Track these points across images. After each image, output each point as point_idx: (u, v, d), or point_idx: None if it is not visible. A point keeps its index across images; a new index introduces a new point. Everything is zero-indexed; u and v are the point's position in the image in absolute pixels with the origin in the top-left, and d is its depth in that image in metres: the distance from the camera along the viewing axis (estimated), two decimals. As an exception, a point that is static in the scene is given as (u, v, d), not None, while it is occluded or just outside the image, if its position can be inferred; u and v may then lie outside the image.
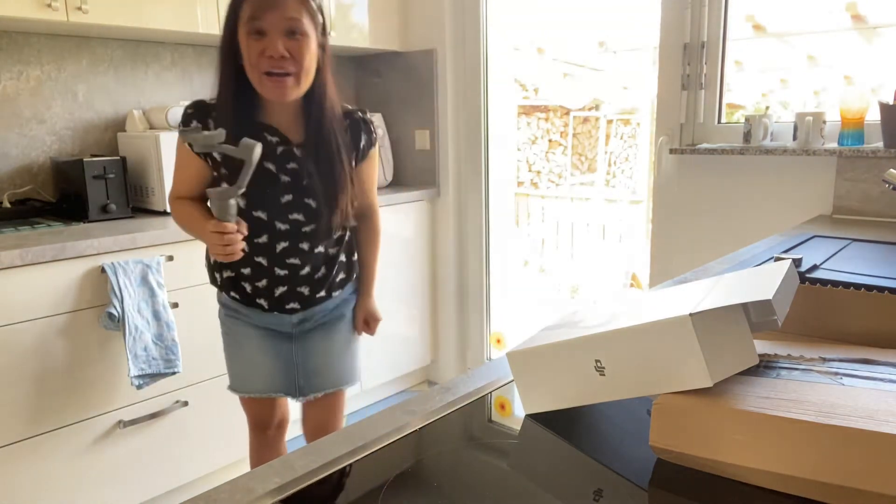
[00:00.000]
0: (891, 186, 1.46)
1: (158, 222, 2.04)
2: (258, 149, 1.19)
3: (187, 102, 1.37)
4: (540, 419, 0.70)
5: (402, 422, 0.69)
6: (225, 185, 1.33)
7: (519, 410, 0.73)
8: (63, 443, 1.79)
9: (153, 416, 1.95)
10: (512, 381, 0.82)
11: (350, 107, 1.42)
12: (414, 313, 2.93)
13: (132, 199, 2.18)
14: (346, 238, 1.49)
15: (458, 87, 2.89)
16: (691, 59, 2.25)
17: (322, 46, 1.31)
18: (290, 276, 1.41)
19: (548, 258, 5.48)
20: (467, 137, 2.92)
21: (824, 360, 0.62)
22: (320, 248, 1.42)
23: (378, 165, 1.45)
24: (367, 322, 1.57)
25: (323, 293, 1.46)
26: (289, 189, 1.35)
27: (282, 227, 1.37)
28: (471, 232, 2.97)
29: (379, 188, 2.95)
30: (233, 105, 1.30)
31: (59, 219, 2.07)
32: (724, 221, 2.24)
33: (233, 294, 1.45)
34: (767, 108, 2.18)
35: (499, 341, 3.16)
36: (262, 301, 1.43)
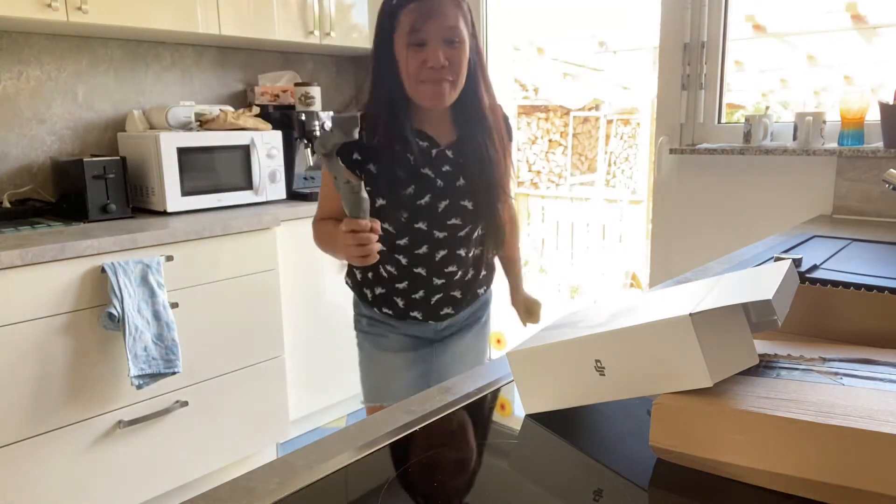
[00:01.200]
0: (891, 186, 1.46)
1: (158, 222, 2.04)
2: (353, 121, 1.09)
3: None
4: (540, 419, 0.70)
5: (402, 422, 0.69)
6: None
7: (519, 410, 0.73)
8: (63, 443, 1.79)
9: (153, 416, 1.95)
10: (512, 381, 0.82)
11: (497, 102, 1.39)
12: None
13: (132, 199, 2.18)
14: (484, 234, 1.42)
15: (458, 87, 2.89)
16: (691, 59, 2.25)
17: (474, 48, 1.28)
18: (447, 284, 1.37)
19: (548, 258, 5.48)
20: (467, 137, 2.91)
21: (824, 359, 0.62)
22: (474, 250, 1.38)
23: (513, 161, 1.43)
24: (529, 311, 1.55)
25: (471, 295, 1.43)
26: (445, 194, 1.30)
27: (440, 234, 1.32)
28: (471, 232, 2.96)
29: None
30: (387, 115, 1.26)
31: (59, 219, 2.07)
32: (723, 221, 2.24)
33: (385, 310, 1.39)
34: (767, 108, 2.18)
35: (499, 341, 3.16)
36: (416, 313, 1.38)
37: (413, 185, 1.27)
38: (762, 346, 0.68)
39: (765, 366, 0.62)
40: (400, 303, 1.37)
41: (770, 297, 0.54)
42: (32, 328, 1.71)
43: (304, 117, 2.47)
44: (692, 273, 1.30)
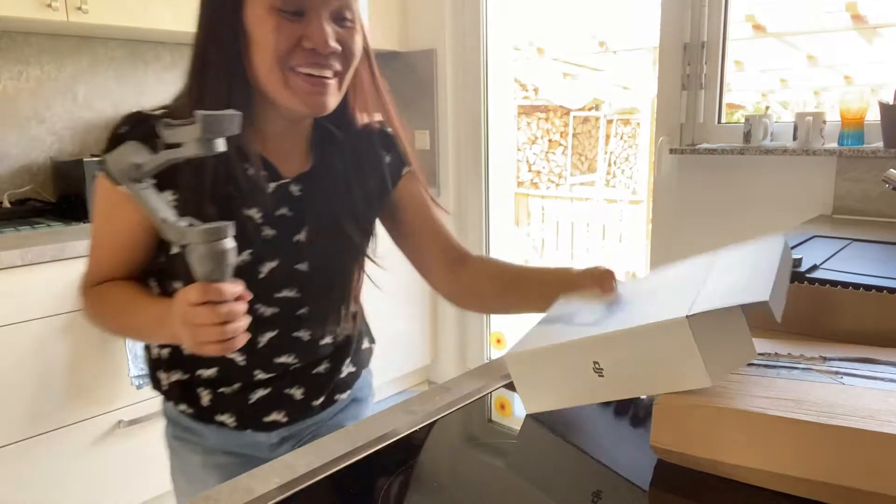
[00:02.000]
0: (891, 186, 1.46)
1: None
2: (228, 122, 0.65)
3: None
4: (540, 419, 0.70)
5: (402, 422, 0.69)
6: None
7: (519, 410, 0.73)
8: (63, 443, 1.79)
9: (153, 416, 1.95)
10: (511, 381, 0.82)
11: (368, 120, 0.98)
12: (414, 313, 2.93)
13: (132, 199, 2.18)
14: (360, 313, 1.04)
15: (458, 87, 2.89)
16: (691, 59, 2.25)
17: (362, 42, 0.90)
18: (276, 378, 0.92)
19: (548, 258, 5.48)
20: (467, 137, 2.92)
21: (825, 359, 0.62)
22: (326, 338, 0.95)
23: (425, 190, 1.02)
24: (602, 281, 0.86)
25: (323, 398, 0.96)
26: (275, 250, 0.87)
27: (266, 311, 0.88)
28: (471, 232, 2.97)
29: (379, 188, 2.95)
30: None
31: (59, 219, 2.07)
32: (723, 221, 2.24)
33: (182, 407, 0.93)
34: (767, 108, 2.18)
35: (499, 341, 3.16)
36: (225, 417, 0.92)
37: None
38: (762, 345, 0.67)
39: (765, 365, 0.62)
40: (205, 398, 0.91)
41: (767, 299, 0.54)
42: (32, 328, 1.70)
43: (304, 117, 2.47)
44: (692, 273, 1.30)
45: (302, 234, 0.89)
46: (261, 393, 0.92)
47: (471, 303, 1.03)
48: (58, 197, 2.20)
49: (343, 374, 0.99)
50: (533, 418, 0.70)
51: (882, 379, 0.56)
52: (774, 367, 0.61)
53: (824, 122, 2.01)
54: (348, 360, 1.00)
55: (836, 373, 0.58)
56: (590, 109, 6.99)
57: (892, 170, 1.40)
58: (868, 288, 0.69)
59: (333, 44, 0.80)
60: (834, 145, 1.99)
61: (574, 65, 6.51)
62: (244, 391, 0.91)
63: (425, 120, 2.93)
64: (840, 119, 1.97)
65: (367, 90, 0.94)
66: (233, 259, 0.68)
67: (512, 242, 3.20)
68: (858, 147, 1.93)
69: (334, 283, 0.93)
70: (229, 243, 0.67)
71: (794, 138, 2.05)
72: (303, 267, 0.89)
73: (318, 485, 0.58)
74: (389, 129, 0.98)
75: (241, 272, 0.81)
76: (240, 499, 0.56)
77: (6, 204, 2.09)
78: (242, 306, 0.70)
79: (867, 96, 1.95)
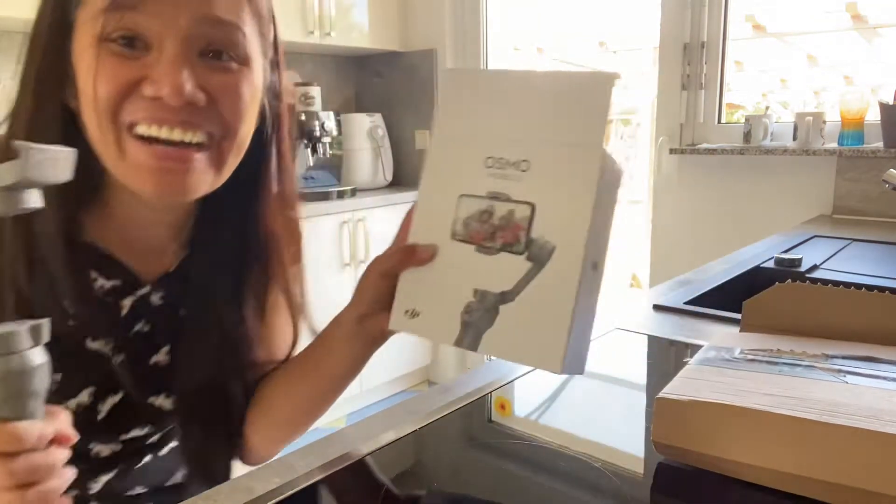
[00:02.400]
0: (891, 186, 1.46)
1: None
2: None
3: None
4: (539, 419, 0.69)
5: (402, 422, 0.69)
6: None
7: (519, 411, 0.73)
8: (63, 443, 1.79)
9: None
10: (512, 381, 0.82)
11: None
12: (414, 313, 2.92)
13: (132, 199, 2.18)
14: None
15: (458, 87, 2.89)
16: (691, 59, 2.25)
17: (273, 87, 0.65)
18: None
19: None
20: (467, 137, 2.91)
21: (827, 356, 0.62)
22: (176, 476, 0.73)
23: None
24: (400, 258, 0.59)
25: None
26: (120, 379, 0.64)
27: (103, 450, 0.66)
28: (471, 232, 2.97)
29: (379, 188, 2.96)
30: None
31: (58, 219, 2.06)
32: (723, 221, 2.24)
33: None
34: (767, 108, 2.18)
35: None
36: None
37: (59, 368, 0.56)
38: (764, 341, 0.67)
39: (767, 361, 0.61)
40: None
41: (558, 370, 0.51)
42: (32, 328, 1.70)
43: (303, 117, 2.47)
44: (692, 273, 1.30)
45: (160, 354, 0.67)
46: None
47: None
48: (57, 197, 2.20)
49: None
50: (532, 417, 0.70)
51: (885, 378, 0.56)
52: (777, 363, 0.61)
53: (824, 122, 2.01)
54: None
55: (839, 371, 0.58)
56: (590, 109, 6.97)
57: (892, 170, 1.40)
58: (868, 288, 0.69)
59: (191, 90, 0.53)
60: (834, 145, 1.99)
61: (574, 65, 6.51)
62: None
63: (425, 120, 2.93)
64: (840, 119, 1.97)
65: (269, 167, 0.66)
66: (40, 384, 0.44)
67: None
68: (858, 147, 1.93)
69: (209, 414, 0.68)
70: (32, 360, 0.43)
71: (794, 138, 2.05)
72: (159, 400, 0.68)
73: (318, 485, 0.58)
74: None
75: (74, 414, 0.54)
76: (240, 499, 0.56)
77: (6, 204, 2.09)
78: (56, 456, 0.46)
79: (867, 96, 1.95)
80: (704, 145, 2.21)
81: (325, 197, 2.51)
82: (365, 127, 2.87)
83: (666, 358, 0.86)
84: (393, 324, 0.59)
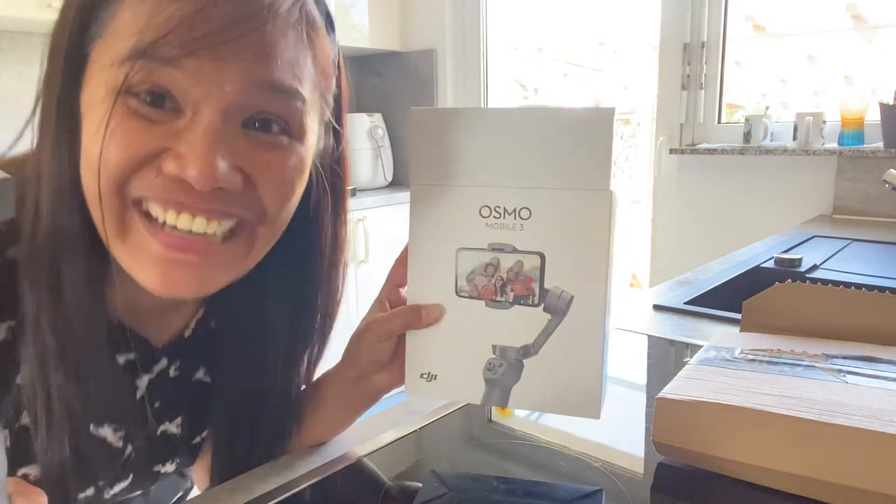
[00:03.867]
0: (891, 186, 1.46)
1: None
2: None
3: None
4: (539, 419, 0.69)
5: (402, 422, 0.69)
6: None
7: (519, 410, 0.73)
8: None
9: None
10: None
11: None
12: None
13: (132, 199, 2.18)
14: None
15: (458, 87, 2.89)
16: (691, 59, 2.25)
17: (326, 147, 0.53)
18: None
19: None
20: (467, 137, 2.91)
21: (827, 356, 0.62)
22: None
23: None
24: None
25: None
26: (129, 468, 0.58)
27: (131, 493, 0.61)
28: (471, 232, 2.97)
29: (379, 188, 2.96)
30: (50, 269, 0.46)
31: (58, 219, 2.07)
32: (723, 221, 2.24)
33: None
34: (767, 108, 2.18)
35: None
36: None
37: (82, 453, 0.50)
38: (764, 341, 0.67)
39: (768, 361, 0.61)
40: None
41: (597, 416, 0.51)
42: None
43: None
44: (692, 273, 1.30)
45: (172, 425, 0.60)
46: None
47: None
48: (57, 197, 2.20)
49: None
50: (531, 419, 0.70)
51: (885, 378, 0.56)
52: (777, 363, 0.61)
53: (824, 122, 2.01)
54: None
55: (839, 371, 0.58)
56: (590, 109, 6.98)
57: (892, 170, 1.40)
58: (868, 288, 0.69)
59: (225, 173, 0.42)
60: (834, 145, 1.99)
61: (574, 65, 6.51)
62: None
63: (425, 120, 2.92)
64: (840, 119, 1.97)
65: (316, 246, 0.56)
66: None
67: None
68: (858, 147, 1.93)
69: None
70: None
71: (794, 138, 2.05)
72: (165, 467, 0.61)
73: (318, 485, 0.58)
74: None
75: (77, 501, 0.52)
76: (240, 499, 0.56)
77: (6, 204, 2.09)
78: None
79: (867, 96, 1.95)
80: (704, 145, 2.21)
81: (325, 197, 2.50)
82: (365, 127, 2.88)
83: (666, 358, 0.86)
84: (410, 389, 0.56)
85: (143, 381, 0.56)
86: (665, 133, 2.33)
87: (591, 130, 0.50)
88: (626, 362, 0.83)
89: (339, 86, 0.53)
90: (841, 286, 0.71)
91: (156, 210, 0.43)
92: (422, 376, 0.56)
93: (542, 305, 0.52)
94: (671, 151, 2.25)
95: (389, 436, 0.66)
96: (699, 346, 0.86)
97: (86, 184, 0.44)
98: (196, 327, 0.59)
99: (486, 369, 0.54)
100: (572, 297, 0.51)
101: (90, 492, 0.54)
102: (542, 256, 0.52)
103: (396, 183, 3.05)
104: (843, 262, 1.33)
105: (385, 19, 2.85)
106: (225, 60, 0.41)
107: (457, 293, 0.54)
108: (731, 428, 0.52)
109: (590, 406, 0.52)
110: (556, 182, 0.51)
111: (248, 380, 0.58)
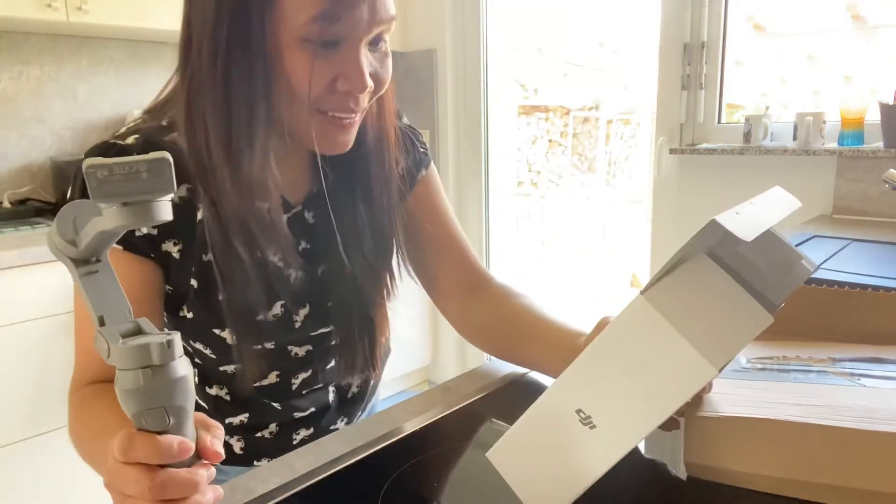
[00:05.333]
0: (891, 186, 1.46)
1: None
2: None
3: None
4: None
5: (402, 422, 0.69)
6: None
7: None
8: (63, 443, 1.79)
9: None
10: (513, 380, 0.82)
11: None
12: (414, 313, 2.93)
13: (132, 200, 2.18)
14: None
15: (458, 87, 2.89)
16: (691, 59, 2.25)
17: None
18: (315, 413, 0.85)
19: (548, 258, 5.48)
20: (467, 137, 2.92)
21: (833, 360, 0.62)
22: (359, 357, 0.84)
23: (443, 197, 0.90)
24: None
25: (360, 411, 0.95)
26: (305, 293, 0.78)
27: (299, 352, 0.80)
28: (471, 232, 2.97)
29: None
30: (236, 157, 0.66)
31: (58, 219, 2.07)
32: (724, 221, 2.24)
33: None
34: (767, 108, 2.18)
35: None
36: (264, 461, 0.84)
37: (264, 290, 0.72)
38: (766, 349, 0.67)
39: (778, 369, 0.61)
40: (237, 446, 0.83)
41: (748, 238, 0.41)
42: (32, 328, 1.70)
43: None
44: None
45: (324, 265, 0.78)
46: (304, 433, 0.84)
47: (476, 341, 0.90)
48: (58, 197, 2.20)
49: (370, 389, 0.95)
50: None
51: None
52: (788, 370, 0.60)
53: (824, 122, 2.01)
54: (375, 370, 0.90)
55: (851, 374, 0.57)
56: (590, 109, 6.99)
57: (892, 170, 1.40)
58: (872, 288, 0.69)
59: (369, 81, 0.66)
60: (834, 145, 1.99)
61: (574, 65, 6.51)
62: (285, 433, 0.83)
63: (425, 120, 2.93)
64: (840, 119, 1.97)
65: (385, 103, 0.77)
66: (181, 397, 0.43)
67: (512, 242, 3.21)
68: (858, 147, 1.93)
69: (362, 313, 0.81)
70: (172, 373, 0.43)
71: (794, 138, 2.05)
72: (331, 302, 0.79)
73: (318, 485, 0.58)
74: (403, 124, 0.85)
75: (278, 326, 0.76)
76: (240, 499, 0.56)
77: (6, 204, 2.09)
78: (198, 474, 0.45)
79: (867, 96, 1.95)
80: (704, 145, 2.21)
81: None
82: (365, 127, 2.88)
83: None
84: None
85: (285, 219, 0.74)
86: (665, 133, 2.33)
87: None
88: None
89: None
90: (840, 286, 0.71)
91: (332, 112, 0.66)
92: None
93: None
94: (671, 151, 2.25)
95: (389, 436, 0.66)
96: (699, 347, 0.86)
97: (282, 109, 0.66)
98: (320, 184, 0.76)
99: None
100: None
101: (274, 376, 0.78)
102: None
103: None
104: (843, 262, 1.33)
105: (385, 19, 2.85)
106: (359, 8, 0.62)
107: None
108: (767, 443, 0.51)
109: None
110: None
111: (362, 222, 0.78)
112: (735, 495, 0.52)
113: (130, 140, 0.67)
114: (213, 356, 0.75)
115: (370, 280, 0.80)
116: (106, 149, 0.66)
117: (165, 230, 0.68)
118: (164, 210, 0.39)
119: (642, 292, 0.44)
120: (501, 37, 2.87)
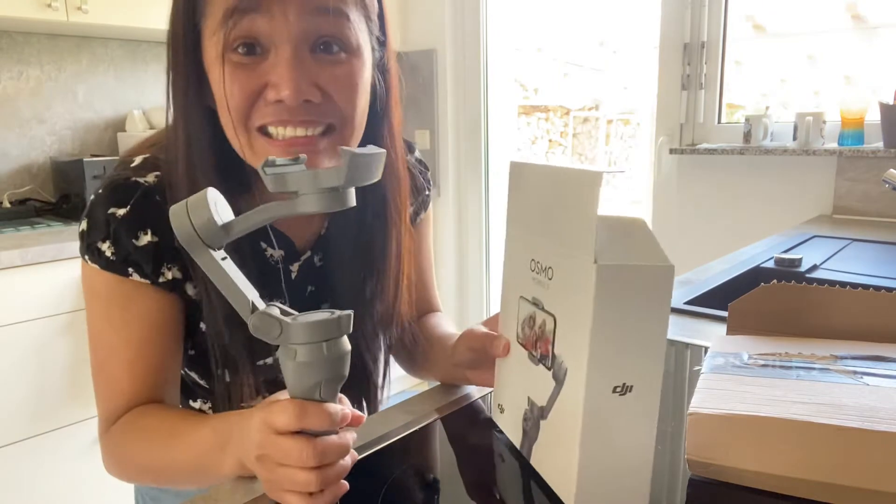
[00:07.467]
0: (891, 186, 1.46)
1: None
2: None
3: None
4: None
5: (403, 421, 0.69)
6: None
7: (519, 410, 0.72)
8: (63, 443, 1.79)
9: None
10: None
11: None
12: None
13: (132, 199, 2.17)
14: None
15: (458, 87, 2.89)
16: (691, 59, 2.25)
17: (380, 59, 0.68)
18: None
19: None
20: (467, 137, 2.92)
21: (836, 357, 0.62)
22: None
23: (429, 231, 0.92)
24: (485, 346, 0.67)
25: None
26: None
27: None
28: (471, 232, 2.97)
29: (379, 188, 2.96)
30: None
31: (59, 219, 2.07)
32: (724, 221, 2.24)
33: None
34: (767, 108, 2.18)
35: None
36: None
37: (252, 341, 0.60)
38: (770, 345, 0.67)
39: (781, 366, 0.61)
40: None
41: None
42: (32, 328, 1.70)
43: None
44: (692, 273, 1.30)
45: (327, 304, 0.77)
46: None
47: (400, 361, 0.89)
48: (58, 197, 2.20)
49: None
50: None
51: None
52: (791, 367, 0.60)
53: (824, 122, 2.01)
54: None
55: (854, 372, 0.57)
56: (590, 109, 6.99)
57: (892, 170, 1.40)
58: (872, 288, 0.69)
59: (306, 88, 0.58)
60: (834, 145, 1.99)
61: (574, 65, 6.51)
62: None
63: (425, 120, 2.93)
64: (840, 119, 1.97)
65: (384, 135, 0.73)
66: (347, 369, 0.48)
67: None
68: (858, 147, 1.93)
69: (363, 358, 0.78)
70: (346, 346, 0.47)
71: (794, 138, 2.05)
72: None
73: (319, 485, 0.58)
74: (414, 160, 0.86)
75: (276, 365, 0.70)
76: (240, 499, 0.56)
77: (6, 204, 2.09)
78: (350, 437, 0.50)
79: (867, 96, 1.95)
80: (704, 145, 2.21)
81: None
82: (365, 127, 2.87)
83: (666, 358, 0.86)
84: (492, 414, 0.64)
85: (295, 267, 0.73)
86: (665, 133, 2.33)
87: (578, 194, 0.46)
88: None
89: (380, 4, 0.67)
90: (826, 285, 0.71)
91: (271, 130, 0.60)
92: (498, 406, 0.62)
93: (552, 371, 0.49)
94: (671, 151, 2.25)
95: (390, 436, 0.66)
96: (699, 346, 0.86)
97: (223, 123, 0.62)
98: (328, 226, 0.75)
99: (523, 419, 0.56)
100: (567, 368, 0.47)
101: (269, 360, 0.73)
102: (555, 319, 0.49)
103: (396, 183, 3.05)
104: (842, 262, 1.33)
105: (385, 19, 2.85)
106: (278, 1, 0.56)
107: (516, 338, 0.57)
108: (771, 441, 0.51)
109: (566, 492, 0.48)
110: (562, 245, 0.48)
111: (367, 264, 0.75)
112: (737, 494, 0.52)
113: (151, 179, 0.65)
114: (206, 385, 0.76)
115: (371, 326, 0.77)
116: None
117: (186, 272, 0.66)
118: (351, 197, 0.45)
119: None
120: (501, 37, 2.87)
